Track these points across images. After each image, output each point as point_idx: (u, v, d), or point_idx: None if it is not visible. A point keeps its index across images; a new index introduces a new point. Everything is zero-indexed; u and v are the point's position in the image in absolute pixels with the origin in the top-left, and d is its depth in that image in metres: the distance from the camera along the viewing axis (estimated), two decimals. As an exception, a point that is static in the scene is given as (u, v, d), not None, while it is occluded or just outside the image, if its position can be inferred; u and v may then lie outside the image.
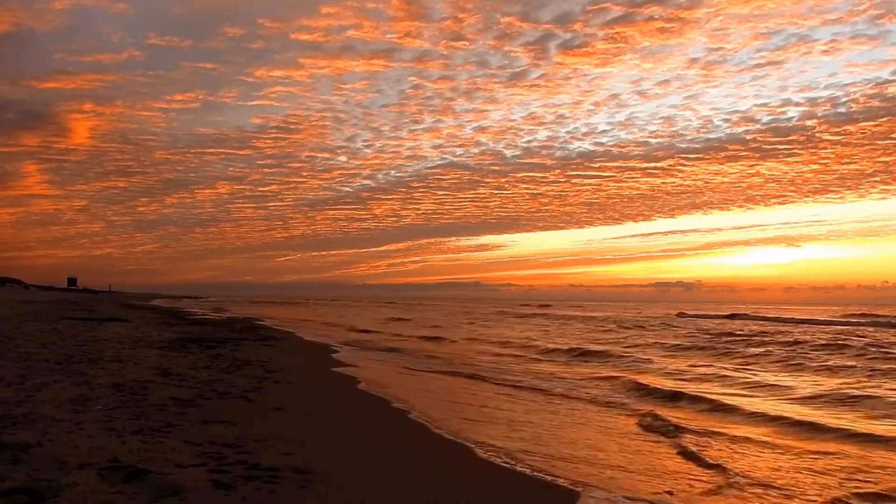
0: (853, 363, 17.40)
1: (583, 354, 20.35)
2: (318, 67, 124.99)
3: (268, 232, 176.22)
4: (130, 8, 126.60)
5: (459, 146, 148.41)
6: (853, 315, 52.77)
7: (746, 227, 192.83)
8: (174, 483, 4.81)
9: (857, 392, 12.38)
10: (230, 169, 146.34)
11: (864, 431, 8.86)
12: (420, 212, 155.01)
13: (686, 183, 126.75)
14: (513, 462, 6.76)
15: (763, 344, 23.76)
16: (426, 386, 12.88)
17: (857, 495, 6.03)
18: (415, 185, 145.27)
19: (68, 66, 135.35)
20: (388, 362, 17.23)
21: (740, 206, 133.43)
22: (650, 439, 8.44)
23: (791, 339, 25.61)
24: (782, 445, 8.16)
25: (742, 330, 33.47)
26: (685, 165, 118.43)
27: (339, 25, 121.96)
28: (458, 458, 6.84)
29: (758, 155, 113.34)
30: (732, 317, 53.14)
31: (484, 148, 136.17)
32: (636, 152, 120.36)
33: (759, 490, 6.14)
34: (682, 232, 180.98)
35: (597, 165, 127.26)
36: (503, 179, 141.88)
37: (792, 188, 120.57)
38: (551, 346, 23.20)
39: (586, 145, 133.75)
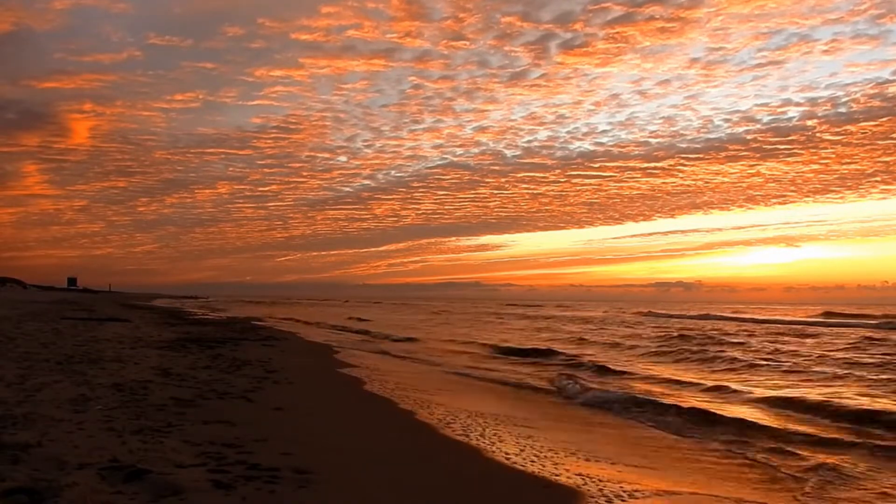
0: (757, 359, 18.30)
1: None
2: (318, 67, 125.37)
3: (268, 232, 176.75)
4: (130, 8, 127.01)
5: (460, 146, 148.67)
6: (832, 314, 53.95)
7: (747, 227, 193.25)
8: (174, 483, 4.81)
9: (710, 383, 14.11)
10: (230, 169, 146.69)
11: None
12: (420, 212, 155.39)
13: (686, 183, 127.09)
14: (521, 462, 6.77)
15: (700, 343, 24.12)
16: (426, 382, 12.88)
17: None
18: (415, 185, 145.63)
19: (68, 65, 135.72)
20: (394, 362, 17.23)
21: (741, 206, 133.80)
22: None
23: (738, 340, 26.05)
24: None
25: (695, 328, 34.19)
26: (685, 165, 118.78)
27: (339, 25, 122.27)
28: (462, 458, 6.84)
29: (758, 155, 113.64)
30: (704, 317, 53.70)
31: (484, 148, 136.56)
32: (636, 152, 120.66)
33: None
34: (683, 232, 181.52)
35: (597, 165, 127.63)
36: (503, 179, 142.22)
37: (792, 188, 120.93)
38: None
39: (587, 145, 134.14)
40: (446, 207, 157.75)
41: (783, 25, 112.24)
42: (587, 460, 7.11)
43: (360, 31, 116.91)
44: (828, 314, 54.31)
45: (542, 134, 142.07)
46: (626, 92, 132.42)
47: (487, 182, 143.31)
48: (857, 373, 15.37)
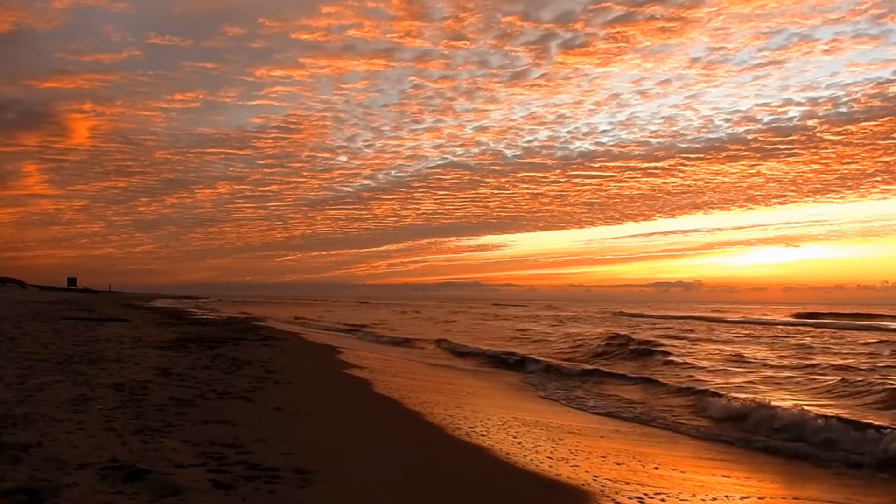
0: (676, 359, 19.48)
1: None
2: (318, 67, 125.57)
3: (268, 232, 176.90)
4: (131, 7, 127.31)
5: (460, 146, 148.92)
6: (809, 314, 56.40)
7: (747, 227, 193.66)
8: (174, 483, 4.81)
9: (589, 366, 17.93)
10: (230, 169, 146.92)
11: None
12: (420, 212, 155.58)
13: (687, 183, 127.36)
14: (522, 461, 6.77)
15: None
16: (430, 381, 12.88)
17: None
18: (415, 184, 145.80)
19: (68, 65, 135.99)
20: (396, 359, 17.22)
21: (741, 206, 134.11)
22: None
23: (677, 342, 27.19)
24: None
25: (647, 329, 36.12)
26: (686, 165, 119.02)
27: (339, 25, 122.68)
28: (466, 457, 6.84)
29: (759, 155, 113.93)
30: (666, 317, 54.74)
31: (484, 148, 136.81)
32: (637, 152, 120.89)
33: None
34: (683, 232, 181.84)
35: (597, 165, 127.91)
36: (504, 179, 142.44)
37: (793, 188, 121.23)
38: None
39: (587, 145, 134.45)
40: (446, 207, 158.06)
41: (784, 25, 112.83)
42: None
43: (361, 31, 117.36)
44: (798, 315, 56.95)
45: (543, 134, 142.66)
46: (627, 92, 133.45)
47: (488, 182, 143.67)
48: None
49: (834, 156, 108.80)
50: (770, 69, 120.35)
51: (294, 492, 4.97)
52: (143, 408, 7.73)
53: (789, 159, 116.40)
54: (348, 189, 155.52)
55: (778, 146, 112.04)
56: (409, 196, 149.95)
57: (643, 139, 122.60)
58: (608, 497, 5.64)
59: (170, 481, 4.84)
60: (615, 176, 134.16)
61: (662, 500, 5.70)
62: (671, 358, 18.90)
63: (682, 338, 28.88)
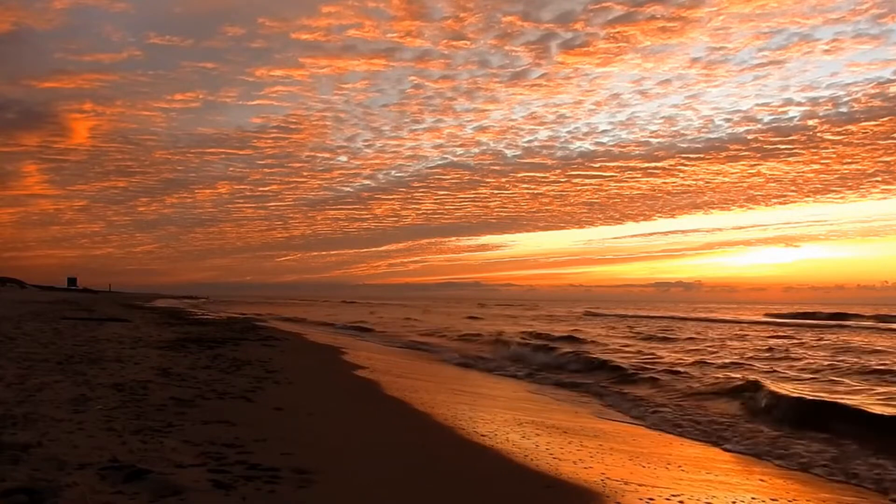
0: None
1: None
2: (318, 67, 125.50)
3: (268, 232, 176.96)
4: (131, 7, 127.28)
5: (460, 146, 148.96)
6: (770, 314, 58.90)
7: (747, 227, 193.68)
8: (174, 483, 4.81)
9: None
10: (230, 169, 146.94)
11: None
12: (420, 212, 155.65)
13: (687, 183, 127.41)
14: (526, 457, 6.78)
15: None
16: (433, 377, 12.88)
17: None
18: (415, 184, 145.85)
19: (68, 65, 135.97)
20: (394, 360, 17.22)
21: (741, 206, 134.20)
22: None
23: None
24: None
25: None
26: (686, 165, 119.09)
27: (339, 25, 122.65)
28: (469, 457, 6.84)
29: (759, 155, 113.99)
30: (637, 317, 55.80)
31: (485, 148, 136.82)
32: (637, 152, 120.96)
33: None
34: (683, 232, 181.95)
35: (597, 165, 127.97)
36: (504, 179, 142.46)
37: (793, 188, 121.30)
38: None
39: (587, 145, 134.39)
40: (446, 207, 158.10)
41: (784, 25, 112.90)
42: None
43: (361, 31, 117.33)
44: (767, 314, 59.19)
45: (543, 134, 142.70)
46: (627, 92, 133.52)
47: (488, 182, 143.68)
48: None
49: (834, 156, 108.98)
50: (770, 69, 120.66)
51: (294, 492, 4.97)
52: (143, 408, 7.73)
53: (789, 159, 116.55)
54: (348, 189, 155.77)
55: (778, 146, 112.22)
56: (409, 196, 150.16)
57: (643, 139, 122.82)
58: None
59: (170, 481, 4.84)
60: (615, 176, 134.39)
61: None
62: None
63: (609, 335, 30.96)
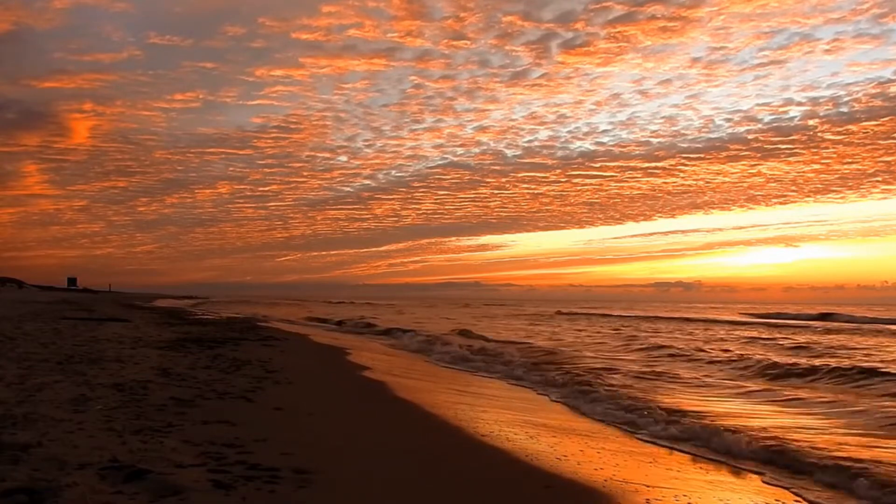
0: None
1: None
2: (318, 67, 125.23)
3: (268, 232, 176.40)
4: (131, 7, 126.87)
5: (460, 146, 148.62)
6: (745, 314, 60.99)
7: (747, 227, 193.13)
8: (174, 483, 4.81)
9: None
10: (230, 169, 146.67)
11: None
12: (420, 212, 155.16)
13: (687, 183, 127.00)
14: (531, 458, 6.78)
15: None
16: (437, 378, 12.87)
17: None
18: (415, 184, 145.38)
19: (68, 65, 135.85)
20: (394, 360, 17.22)
21: (741, 206, 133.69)
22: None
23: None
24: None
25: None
26: (686, 165, 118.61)
27: (339, 25, 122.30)
28: (471, 456, 6.83)
29: (759, 155, 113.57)
30: (605, 316, 56.58)
31: (485, 148, 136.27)
32: (637, 152, 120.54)
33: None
34: (683, 232, 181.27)
35: (598, 165, 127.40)
36: (504, 179, 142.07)
37: (793, 188, 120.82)
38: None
39: (587, 145, 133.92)
40: (447, 207, 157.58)
41: (785, 25, 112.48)
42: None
43: (361, 31, 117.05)
44: (742, 313, 61.34)
45: (543, 134, 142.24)
46: (628, 91, 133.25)
47: (488, 182, 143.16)
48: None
49: (835, 156, 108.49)
50: (771, 69, 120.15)
51: (294, 492, 4.97)
52: (143, 408, 7.73)
53: (790, 159, 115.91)
54: (348, 189, 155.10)
55: (779, 146, 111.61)
56: (410, 196, 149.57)
57: (644, 139, 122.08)
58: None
59: (170, 481, 4.84)
60: (615, 176, 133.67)
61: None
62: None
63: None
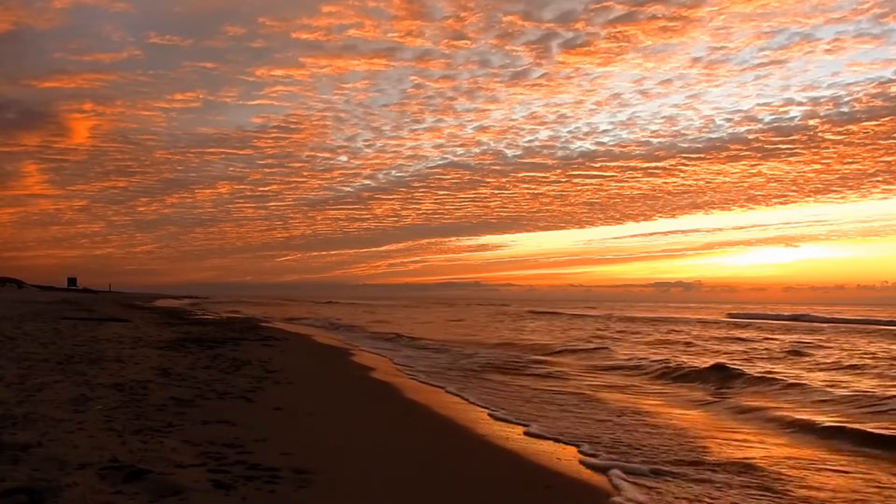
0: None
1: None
2: (319, 67, 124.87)
3: (268, 232, 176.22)
4: (131, 7, 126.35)
5: (460, 146, 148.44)
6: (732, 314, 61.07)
7: (747, 227, 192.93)
8: (174, 483, 4.81)
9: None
10: (231, 169, 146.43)
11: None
12: (420, 212, 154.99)
13: (687, 183, 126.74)
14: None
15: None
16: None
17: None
18: (415, 184, 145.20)
19: (68, 65, 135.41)
20: (391, 360, 17.22)
21: (742, 206, 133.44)
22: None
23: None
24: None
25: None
26: (687, 165, 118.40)
27: (340, 24, 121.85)
28: (470, 456, 6.83)
29: (760, 155, 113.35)
30: (581, 316, 56.78)
31: (485, 147, 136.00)
32: (638, 152, 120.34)
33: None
34: (683, 232, 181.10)
35: (598, 165, 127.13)
36: (504, 179, 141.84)
37: (793, 188, 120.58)
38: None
39: (588, 145, 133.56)
40: (447, 207, 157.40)
41: (785, 24, 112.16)
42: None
43: (361, 31, 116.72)
44: (729, 314, 61.19)
45: (543, 133, 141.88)
46: (628, 91, 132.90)
47: (488, 182, 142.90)
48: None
49: (835, 156, 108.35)
50: (771, 69, 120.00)
51: (294, 492, 4.97)
52: (143, 408, 7.73)
53: (790, 159, 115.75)
54: (348, 189, 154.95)
55: (779, 146, 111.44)
56: (410, 196, 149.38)
57: (644, 139, 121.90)
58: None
59: (170, 481, 4.84)
60: (616, 176, 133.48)
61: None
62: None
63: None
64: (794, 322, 47.25)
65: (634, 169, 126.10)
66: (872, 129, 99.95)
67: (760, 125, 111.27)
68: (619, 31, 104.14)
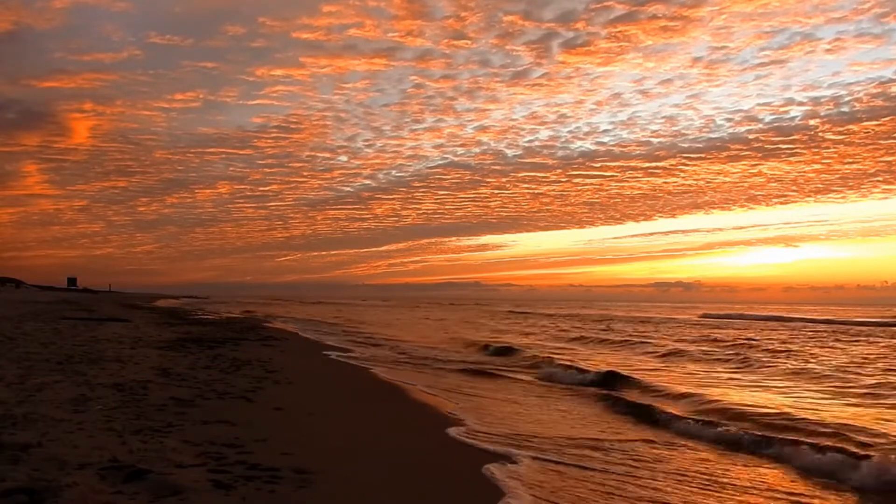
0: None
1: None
2: (319, 66, 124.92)
3: (268, 232, 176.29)
4: (131, 7, 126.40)
5: (461, 146, 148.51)
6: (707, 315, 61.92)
7: (747, 227, 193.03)
8: (174, 483, 4.82)
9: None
10: (231, 168, 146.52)
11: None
12: (421, 212, 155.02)
13: (688, 182, 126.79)
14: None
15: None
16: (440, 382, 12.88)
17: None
18: (416, 184, 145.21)
19: (68, 65, 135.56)
20: (387, 362, 17.21)
21: (742, 206, 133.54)
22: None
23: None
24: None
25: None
26: (687, 165, 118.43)
27: (340, 24, 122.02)
28: (470, 456, 6.83)
29: (760, 154, 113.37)
30: (553, 316, 57.79)
31: (485, 147, 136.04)
32: (638, 152, 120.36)
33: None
34: (683, 232, 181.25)
35: (598, 165, 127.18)
36: (504, 179, 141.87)
37: (794, 188, 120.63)
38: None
39: (588, 145, 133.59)
40: (447, 207, 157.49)
41: (786, 24, 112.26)
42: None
43: (362, 30, 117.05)
44: (704, 315, 61.81)
45: (544, 133, 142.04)
46: (628, 91, 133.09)
47: (488, 182, 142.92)
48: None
49: (835, 155, 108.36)
50: (772, 68, 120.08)
51: (294, 492, 4.97)
52: (143, 408, 7.74)
53: (791, 159, 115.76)
54: (348, 189, 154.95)
55: (779, 146, 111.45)
56: (410, 196, 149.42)
57: (644, 139, 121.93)
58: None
59: (170, 481, 4.84)
60: (616, 176, 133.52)
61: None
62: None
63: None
64: (763, 321, 47.85)
65: (635, 169, 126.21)
66: (873, 129, 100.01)
67: (761, 125, 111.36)
68: (619, 31, 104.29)
